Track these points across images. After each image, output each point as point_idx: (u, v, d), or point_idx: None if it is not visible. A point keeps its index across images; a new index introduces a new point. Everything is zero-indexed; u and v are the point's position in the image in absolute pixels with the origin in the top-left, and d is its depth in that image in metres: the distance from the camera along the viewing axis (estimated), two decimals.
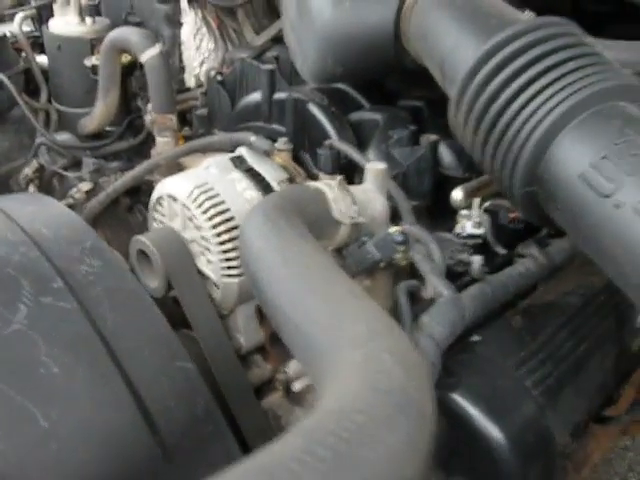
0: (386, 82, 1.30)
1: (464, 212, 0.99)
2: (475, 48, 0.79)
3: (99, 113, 1.38)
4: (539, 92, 0.71)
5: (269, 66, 1.24)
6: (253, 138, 1.12)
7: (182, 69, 1.68)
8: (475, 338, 0.83)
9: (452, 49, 0.85)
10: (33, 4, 1.69)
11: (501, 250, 0.90)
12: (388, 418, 0.46)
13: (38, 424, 0.61)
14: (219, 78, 1.33)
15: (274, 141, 1.20)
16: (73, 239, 0.81)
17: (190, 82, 1.61)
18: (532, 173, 0.73)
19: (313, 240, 0.75)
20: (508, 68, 0.74)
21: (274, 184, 1.11)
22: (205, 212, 1.04)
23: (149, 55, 1.23)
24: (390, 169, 1.07)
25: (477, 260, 0.82)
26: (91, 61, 1.39)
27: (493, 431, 0.73)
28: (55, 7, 1.60)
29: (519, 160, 0.73)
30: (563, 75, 0.71)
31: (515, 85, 0.73)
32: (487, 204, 0.97)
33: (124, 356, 0.70)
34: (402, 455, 0.44)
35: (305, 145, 1.24)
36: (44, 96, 1.69)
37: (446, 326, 0.73)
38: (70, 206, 1.36)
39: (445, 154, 1.12)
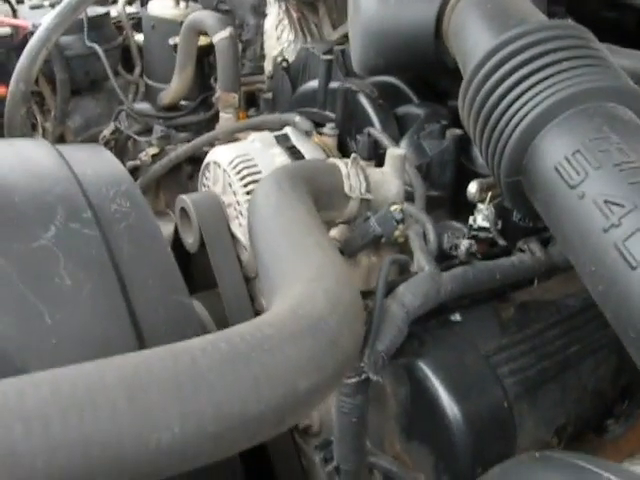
0: (439, 82, 1.35)
1: (481, 206, 1.03)
2: (487, 45, 0.84)
3: (174, 87, 1.51)
4: (531, 87, 0.75)
5: (328, 57, 1.33)
6: (297, 118, 1.21)
7: (263, 57, 1.79)
8: (456, 317, 0.87)
9: (472, 46, 0.90)
10: None
11: (502, 242, 0.94)
12: (295, 335, 0.53)
13: (44, 320, 0.72)
14: (284, 65, 1.42)
15: (322, 126, 1.29)
16: (111, 182, 0.92)
17: (269, 69, 1.72)
18: (517, 163, 0.77)
19: (309, 204, 0.82)
20: (508, 64, 0.78)
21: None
22: (242, 179, 1.14)
23: (220, 37, 1.35)
24: (417, 158, 1.13)
25: (464, 244, 0.86)
26: (174, 40, 1.52)
27: (450, 403, 0.78)
28: None
29: (506, 150, 0.77)
30: (556, 73, 0.75)
31: (511, 80, 0.78)
32: (500, 199, 1.01)
33: (130, 281, 0.80)
34: (299, 367, 0.51)
35: (352, 132, 1.31)
36: (137, 70, 1.86)
37: (418, 297, 0.79)
38: (137, 167, 1.50)
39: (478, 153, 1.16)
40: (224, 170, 1.16)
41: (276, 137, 1.22)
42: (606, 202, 0.64)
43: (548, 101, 0.73)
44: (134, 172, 1.55)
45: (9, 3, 1.83)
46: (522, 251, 0.94)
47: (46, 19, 1.51)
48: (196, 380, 0.47)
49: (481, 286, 0.86)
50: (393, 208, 0.91)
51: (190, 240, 1.19)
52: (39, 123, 1.71)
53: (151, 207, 1.56)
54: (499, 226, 0.97)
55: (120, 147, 1.63)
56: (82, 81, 1.73)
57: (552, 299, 0.97)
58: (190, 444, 0.46)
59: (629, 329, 0.61)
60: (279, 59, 1.43)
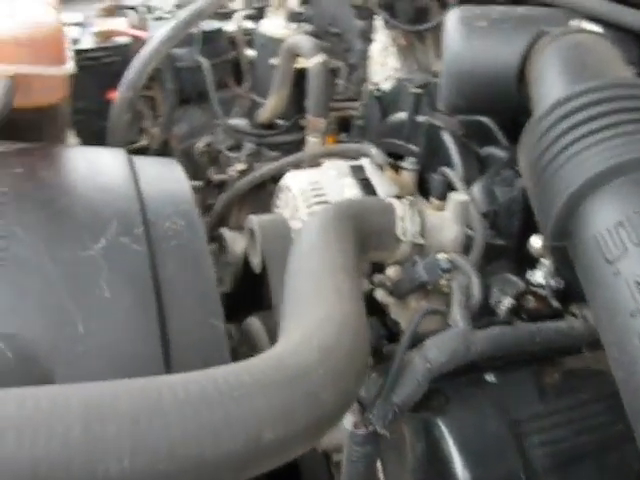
0: None
1: (543, 261, 0.98)
2: (554, 97, 0.80)
3: (269, 106, 1.55)
4: (585, 149, 0.71)
5: (417, 90, 1.31)
6: (373, 151, 1.21)
7: (364, 81, 1.80)
8: (491, 378, 0.83)
9: (544, 95, 0.86)
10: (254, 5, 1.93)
11: (555, 303, 0.88)
12: (271, 385, 0.53)
13: (77, 328, 0.77)
14: (377, 93, 1.42)
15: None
16: (172, 200, 0.96)
17: None
18: (563, 228, 0.73)
19: (348, 245, 0.82)
20: (567, 121, 0.74)
21: (382, 197, 1.18)
22: (309, 207, 1.15)
23: (314, 62, 1.36)
24: (487, 204, 1.09)
25: (505, 303, 0.82)
26: (275, 60, 1.56)
27: (462, 467, 0.75)
28: (269, 10, 1.82)
29: (553, 212, 0.73)
30: (614, 136, 0.70)
31: (568, 138, 0.73)
32: None
33: (169, 300, 0.84)
34: (266, 418, 0.51)
35: (432, 169, 1.29)
36: (247, 85, 1.93)
37: (445, 353, 0.76)
38: (224, 181, 1.56)
39: None
40: (294, 195, 1.18)
41: (352, 167, 1.22)
42: (638, 284, 0.59)
43: (600, 166, 0.68)
44: (221, 186, 1.61)
45: (137, 12, 1.96)
46: (574, 315, 0.88)
47: (159, 31, 1.60)
48: (153, 418, 0.48)
49: (518, 349, 0.82)
50: (440, 256, 0.89)
51: (255, 260, 1.21)
52: (147, 128, 1.82)
53: (234, 221, 1.61)
54: (561, 285, 0.92)
55: (213, 160, 1.70)
56: (190, 92, 1.81)
57: (602, 370, 0.91)
58: (138, 479, 0.47)
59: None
60: (373, 87, 1.43)
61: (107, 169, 1.00)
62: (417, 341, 0.81)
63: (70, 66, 0.95)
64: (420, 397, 0.76)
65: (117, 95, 1.55)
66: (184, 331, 0.83)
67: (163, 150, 1.86)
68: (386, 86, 1.54)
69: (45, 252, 0.81)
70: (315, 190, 1.16)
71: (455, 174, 1.14)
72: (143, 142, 1.81)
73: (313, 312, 0.65)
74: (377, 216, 0.93)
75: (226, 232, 1.42)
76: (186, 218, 0.94)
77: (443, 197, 1.18)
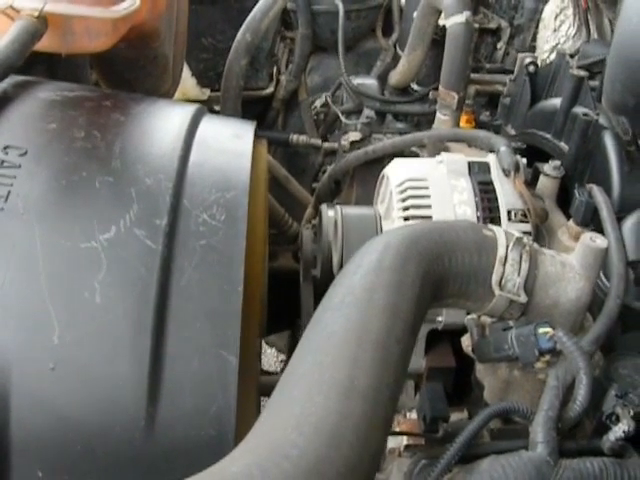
0: None
1: None
2: None
3: (400, 68, 1.30)
4: None
5: (579, 72, 1.00)
6: (503, 148, 0.94)
7: (532, 48, 1.49)
8: None
9: None
10: None
11: None
12: None
13: (51, 338, 0.62)
14: (531, 69, 1.12)
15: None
16: (221, 184, 0.77)
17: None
18: None
19: (406, 294, 0.60)
20: None
21: (502, 211, 0.92)
22: (405, 209, 0.92)
23: (453, 21, 1.09)
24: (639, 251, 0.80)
25: (620, 429, 0.56)
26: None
27: None
28: None
29: None
30: None
31: None
32: None
33: (173, 316, 0.66)
34: None
35: (583, 179, 1.00)
36: (394, 36, 1.68)
37: None
38: (334, 150, 1.35)
39: None
40: (390, 191, 0.95)
41: (472, 165, 0.96)
42: None
43: None
44: (331, 155, 1.39)
45: None
46: None
47: None
48: None
49: None
50: (542, 330, 0.63)
51: (335, 258, 1.01)
52: (274, 74, 1.63)
53: (344, 197, 1.40)
54: None
55: (329, 123, 1.48)
56: (328, 39, 1.59)
57: None
58: None
59: None
60: (527, 60, 1.13)
61: (159, 133, 0.84)
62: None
63: (127, 7, 0.78)
64: None
65: (236, 38, 1.37)
66: (183, 360, 0.65)
67: (290, 101, 1.67)
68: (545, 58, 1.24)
69: (39, 235, 0.67)
70: (415, 189, 0.92)
71: (604, 200, 0.85)
72: (269, 90, 1.63)
73: (313, 389, 0.48)
74: (467, 254, 0.68)
75: (324, 209, 1.21)
76: (230, 211, 0.75)
77: (585, 224, 0.90)
